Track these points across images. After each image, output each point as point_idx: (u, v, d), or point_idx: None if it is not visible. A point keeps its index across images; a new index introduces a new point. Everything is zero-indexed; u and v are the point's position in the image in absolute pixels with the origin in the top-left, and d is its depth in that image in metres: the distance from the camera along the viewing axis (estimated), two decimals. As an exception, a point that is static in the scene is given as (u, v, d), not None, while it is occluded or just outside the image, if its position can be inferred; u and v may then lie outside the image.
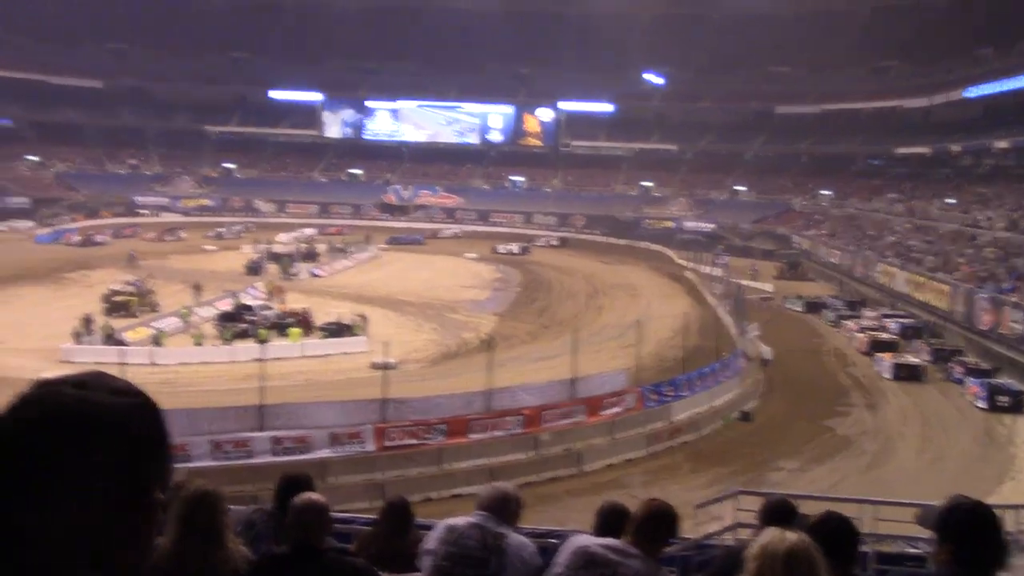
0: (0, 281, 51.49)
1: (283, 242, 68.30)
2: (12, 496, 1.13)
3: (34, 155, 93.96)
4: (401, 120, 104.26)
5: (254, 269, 58.04)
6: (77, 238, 69.21)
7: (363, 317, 41.48)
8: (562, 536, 5.44)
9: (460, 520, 4.23)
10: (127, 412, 1.21)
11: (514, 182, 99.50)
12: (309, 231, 77.63)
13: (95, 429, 1.18)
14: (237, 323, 40.52)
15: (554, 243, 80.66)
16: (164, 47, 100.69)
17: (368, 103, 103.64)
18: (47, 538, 1.14)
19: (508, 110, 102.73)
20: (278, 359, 33.36)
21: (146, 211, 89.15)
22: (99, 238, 69.62)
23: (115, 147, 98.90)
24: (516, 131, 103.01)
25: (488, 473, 24.08)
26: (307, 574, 3.45)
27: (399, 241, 77.74)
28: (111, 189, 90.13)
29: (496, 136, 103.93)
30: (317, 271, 60.72)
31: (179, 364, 35.50)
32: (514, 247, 74.37)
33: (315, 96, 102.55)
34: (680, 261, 68.34)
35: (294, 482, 4.71)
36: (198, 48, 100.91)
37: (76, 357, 35.09)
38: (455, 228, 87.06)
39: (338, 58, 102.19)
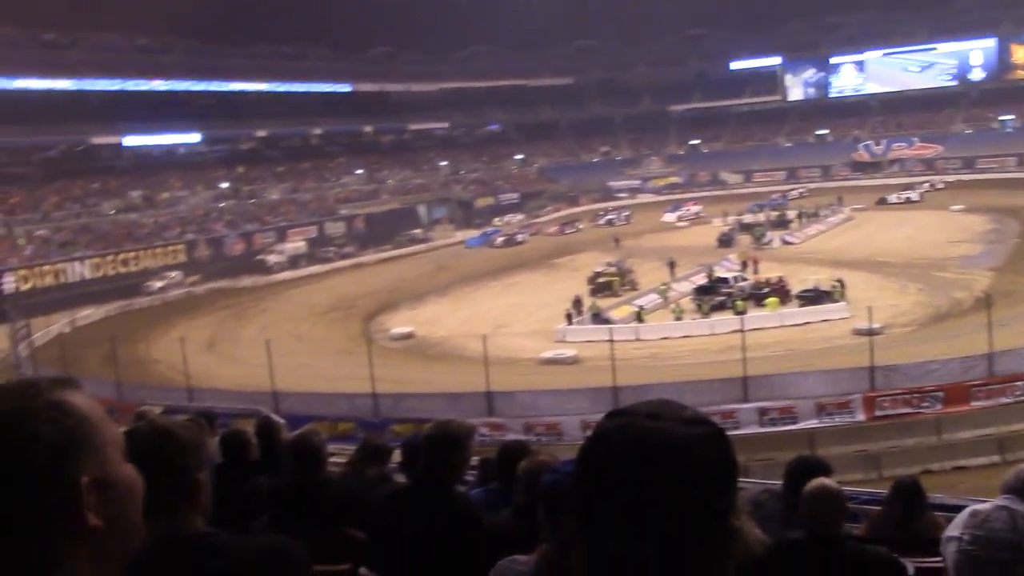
0: (500, 271, 57.28)
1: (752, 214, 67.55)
2: (611, 526, 1.19)
3: (519, 154, 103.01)
4: (866, 73, 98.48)
5: (726, 241, 58.35)
6: (501, 239, 70.53)
7: (840, 282, 39.83)
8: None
9: (984, 505, 3.87)
10: (702, 443, 1.22)
11: (1003, 122, 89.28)
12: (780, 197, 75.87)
13: (675, 460, 1.20)
14: (714, 296, 40.88)
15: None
16: (625, 37, 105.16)
17: (833, 59, 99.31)
18: (652, 568, 1.18)
19: (989, 44, 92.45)
20: (757, 329, 33.23)
21: (623, 194, 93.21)
22: (519, 237, 71.20)
23: (587, 137, 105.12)
24: (1001, 65, 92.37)
25: (996, 444, 21.92)
26: (827, 562, 3.34)
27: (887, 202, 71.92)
28: (586, 177, 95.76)
29: (977, 74, 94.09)
30: (789, 238, 59.49)
31: (661, 339, 36.71)
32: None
33: (774, 61, 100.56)
34: None
35: (808, 465, 4.60)
36: (657, 32, 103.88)
37: (570, 336, 37.92)
38: (934, 180, 79.83)
39: (795, 19, 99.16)
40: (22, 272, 53.26)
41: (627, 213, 78.10)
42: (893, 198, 71.74)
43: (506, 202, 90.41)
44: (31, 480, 1.19)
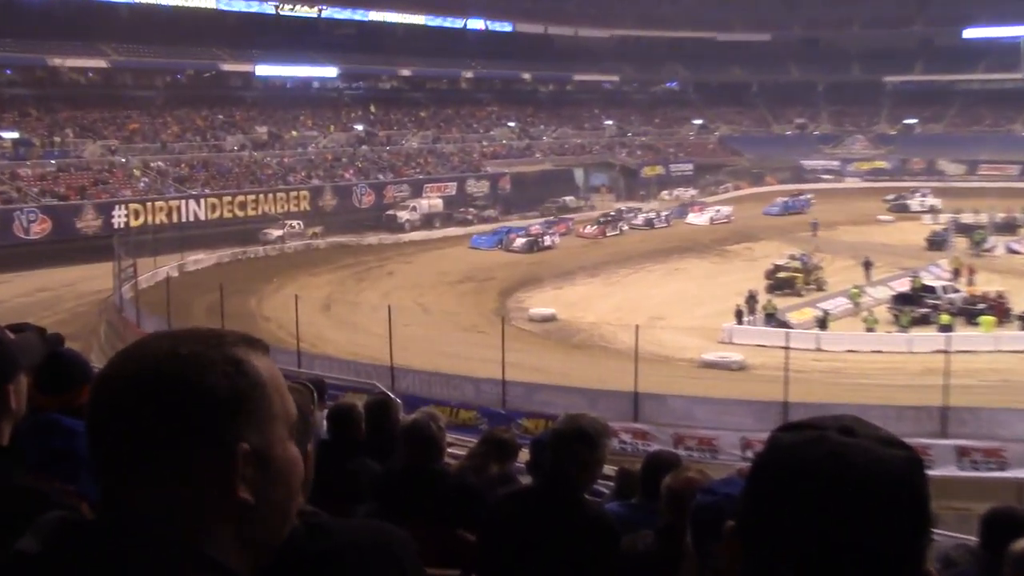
0: (663, 254, 56.96)
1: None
2: (787, 558, 1.18)
3: (698, 118, 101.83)
4: None
5: (937, 243, 56.24)
6: (522, 240, 59.86)
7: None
8: None
9: None
10: (906, 466, 1.21)
11: None
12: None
13: (878, 483, 1.18)
14: (916, 307, 39.61)
15: None
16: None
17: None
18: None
19: None
20: (965, 352, 31.95)
21: (828, 176, 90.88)
22: (547, 239, 61.02)
23: (780, 105, 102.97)
24: None
25: None
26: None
27: None
28: (775, 152, 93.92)
29: None
30: (1016, 246, 56.86)
31: (847, 351, 35.83)
32: None
33: (1016, 31, 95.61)
34: None
35: (1014, 519, 4.40)
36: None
37: (737, 338, 37.40)
38: None
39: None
40: (134, 206, 55.72)
41: (624, 225, 69.38)
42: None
43: (677, 173, 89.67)
44: (188, 432, 1.26)
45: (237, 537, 1.30)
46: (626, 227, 66.79)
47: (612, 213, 68.98)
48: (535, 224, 64.41)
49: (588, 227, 65.65)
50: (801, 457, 1.21)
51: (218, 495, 1.28)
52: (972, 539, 4.96)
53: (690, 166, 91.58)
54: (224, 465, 1.27)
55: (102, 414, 1.29)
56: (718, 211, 72.16)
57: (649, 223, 68.32)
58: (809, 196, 77.42)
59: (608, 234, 64.64)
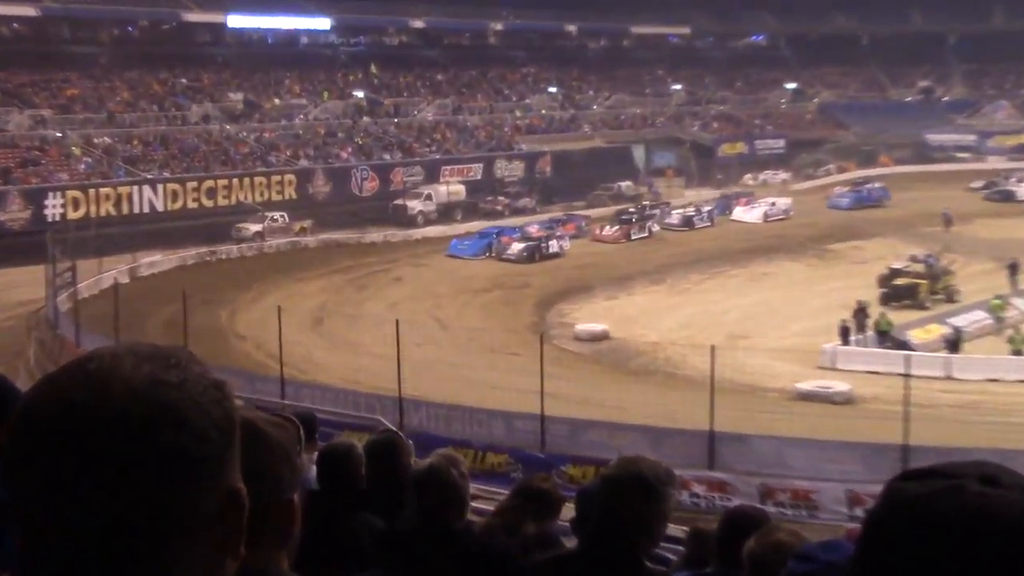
0: (745, 255, 56.77)
1: None
2: None
3: (791, 81, 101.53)
4: None
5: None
6: (520, 247, 57.22)
7: None
8: None
9: None
10: None
11: None
12: None
13: None
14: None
15: None
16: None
17: None
18: None
19: None
20: None
21: (962, 153, 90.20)
22: (554, 244, 58.54)
23: (898, 64, 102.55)
24: None
25: None
26: None
27: None
28: (893, 124, 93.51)
29: None
30: None
31: (986, 380, 35.56)
32: None
33: None
34: None
35: None
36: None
37: (842, 362, 37.16)
38: None
39: None
40: (72, 193, 55.98)
41: (880, 185, 74.60)
42: None
43: (764, 152, 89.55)
44: (189, 479, 1.27)
45: None
46: (656, 227, 65.40)
47: (634, 208, 67.59)
48: (534, 224, 62.83)
49: (607, 228, 64.03)
50: (932, 512, 1.20)
51: (227, 552, 1.30)
52: None
53: (781, 142, 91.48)
54: (224, 517, 1.29)
55: (66, 455, 1.23)
56: (773, 204, 71.10)
57: (688, 222, 67.08)
58: (879, 184, 77.32)
59: (634, 236, 63.23)
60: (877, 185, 77.13)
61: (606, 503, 3.94)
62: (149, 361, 1.30)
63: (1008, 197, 72.87)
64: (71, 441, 1.22)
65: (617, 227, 63.97)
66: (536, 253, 56.84)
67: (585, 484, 5.22)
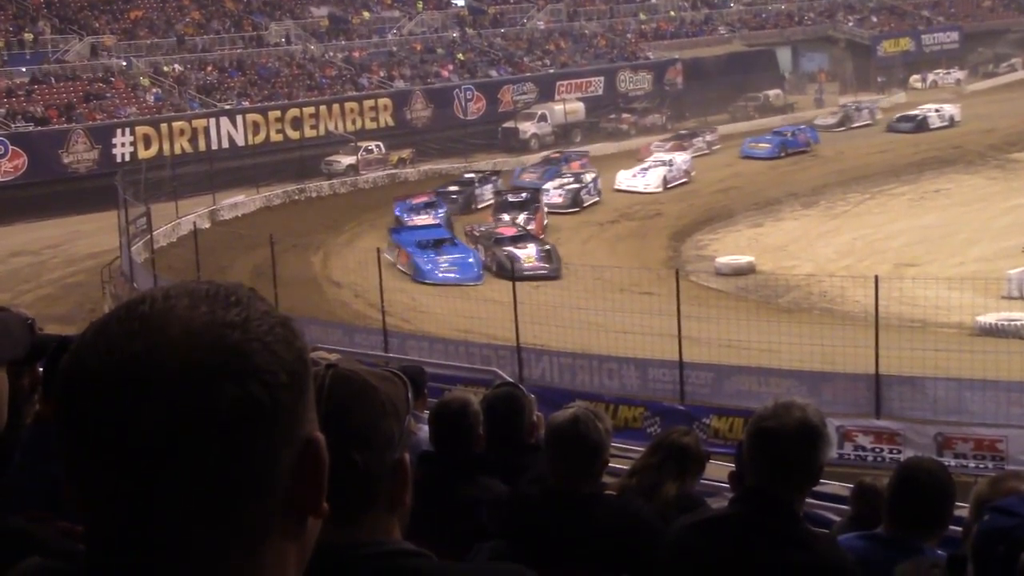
0: (913, 168, 56.02)
1: None
2: None
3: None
4: None
5: None
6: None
7: None
8: None
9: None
10: None
11: None
12: None
13: None
14: None
15: None
16: None
17: None
18: None
19: None
20: None
21: None
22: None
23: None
24: None
25: None
26: None
27: None
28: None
29: None
30: None
31: None
32: None
33: None
34: None
35: None
36: None
37: (1028, 290, 36.69)
38: None
39: None
40: (142, 129, 56.58)
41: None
42: None
43: (933, 47, 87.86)
44: (262, 427, 1.30)
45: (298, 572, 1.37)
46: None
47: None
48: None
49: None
50: None
51: (306, 507, 1.33)
52: None
53: (954, 35, 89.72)
54: (302, 471, 1.33)
55: (121, 413, 1.25)
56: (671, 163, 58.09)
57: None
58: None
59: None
60: (801, 126, 68.79)
61: (757, 453, 3.93)
62: (206, 300, 1.32)
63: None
64: (128, 400, 1.24)
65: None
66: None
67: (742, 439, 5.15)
